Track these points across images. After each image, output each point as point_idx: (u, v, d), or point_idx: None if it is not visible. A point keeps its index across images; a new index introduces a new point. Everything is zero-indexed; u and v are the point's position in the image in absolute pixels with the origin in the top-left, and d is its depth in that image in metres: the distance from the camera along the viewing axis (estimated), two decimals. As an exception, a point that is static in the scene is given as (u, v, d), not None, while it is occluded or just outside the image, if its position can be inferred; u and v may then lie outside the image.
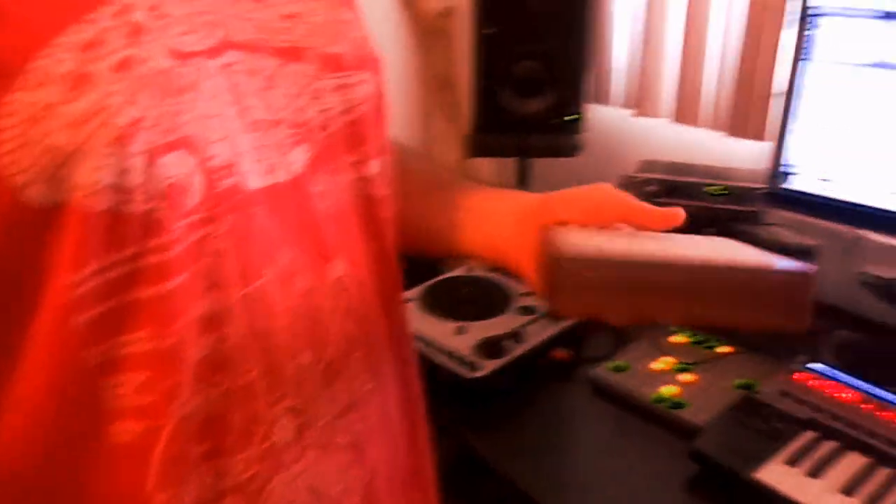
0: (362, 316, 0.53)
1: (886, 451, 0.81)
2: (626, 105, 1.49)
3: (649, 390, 0.95)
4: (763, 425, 0.84)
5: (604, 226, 0.56)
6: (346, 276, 0.51)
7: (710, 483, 0.82)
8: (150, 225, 0.40)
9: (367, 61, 0.53)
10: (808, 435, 0.83)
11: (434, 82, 1.64)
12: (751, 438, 0.83)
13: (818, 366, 0.94)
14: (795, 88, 1.02)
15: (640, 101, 1.45)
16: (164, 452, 0.43)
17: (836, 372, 0.92)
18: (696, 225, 0.56)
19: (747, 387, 0.94)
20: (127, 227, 0.39)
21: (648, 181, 1.22)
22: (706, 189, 1.18)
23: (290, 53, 0.48)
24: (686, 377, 0.97)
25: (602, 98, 1.50)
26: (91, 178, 0.38)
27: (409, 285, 0.88)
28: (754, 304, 0.43)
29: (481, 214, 0.63)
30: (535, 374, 1.01)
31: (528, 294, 1.13)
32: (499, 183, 0.97)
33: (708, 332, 1.07)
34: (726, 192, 1.18)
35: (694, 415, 0.90)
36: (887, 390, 0.88)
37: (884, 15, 0.94)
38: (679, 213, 0.56)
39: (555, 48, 1.23)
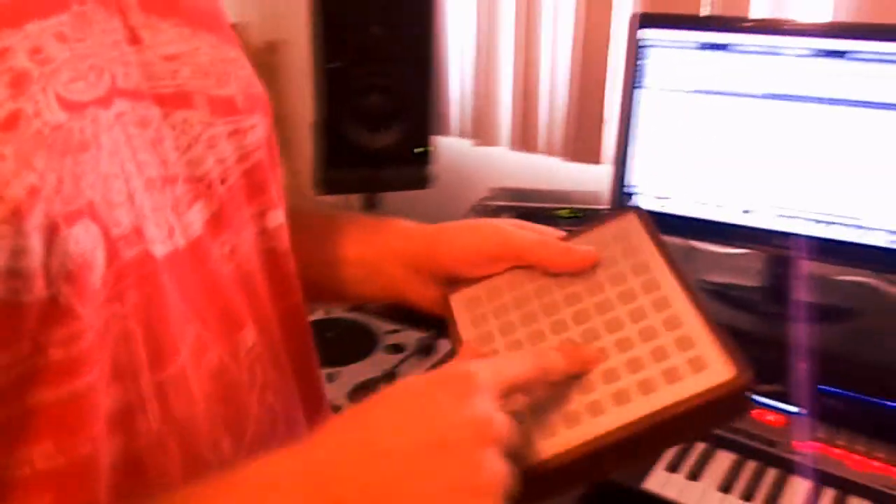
0: (280, 387, 0.48)
1: (749, 445, 0.87)
2: (467, 135, 1.52)
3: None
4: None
5: (495, 272, 0.53)
6: (258, 345, 0.46)
7: (604, 500, 0.84)
8: (53, 313, 0.33)
9: (257, 103, 0.49)
10: (680, 440, 0.88)
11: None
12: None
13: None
14: (631, 114, 1.10)
15: (480, 130, 1.49)
16: None
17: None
18: None
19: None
20: (24, 318, 0.32)
21: (501, 208, 1.25)
22: (556, 213, 1.23)
23: (178, 99, 0.43)
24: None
25: (444, 129, 1.52)
26: None
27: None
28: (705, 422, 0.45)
29: (368, 268, 0.59)
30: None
31: (393, 331, 1.11)
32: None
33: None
34: (575, 214, 1.23)
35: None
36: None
37: (707, 46, 1.03)
38: (591, 256, 0.49)
39: (400, 81, 1.23)
